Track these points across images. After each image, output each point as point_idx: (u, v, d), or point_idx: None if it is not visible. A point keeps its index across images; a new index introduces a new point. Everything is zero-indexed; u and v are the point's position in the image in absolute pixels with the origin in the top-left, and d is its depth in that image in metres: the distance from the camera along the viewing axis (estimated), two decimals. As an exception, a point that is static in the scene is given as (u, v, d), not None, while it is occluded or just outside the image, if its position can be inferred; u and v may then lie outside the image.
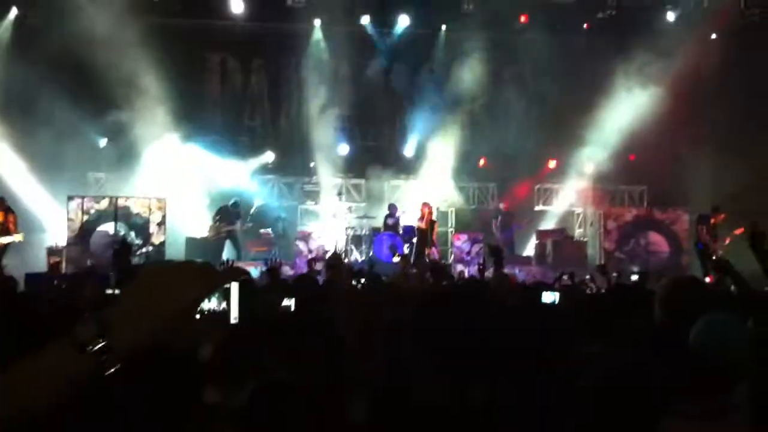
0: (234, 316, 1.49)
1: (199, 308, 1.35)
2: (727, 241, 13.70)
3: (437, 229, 16.18)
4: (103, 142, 17.26)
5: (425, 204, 15.73)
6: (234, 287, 1.49)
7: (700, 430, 2.38)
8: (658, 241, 17.77)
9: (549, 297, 4.42)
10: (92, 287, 6.26)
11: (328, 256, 15.14)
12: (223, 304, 1.47)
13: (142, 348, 1.29)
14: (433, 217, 15.93)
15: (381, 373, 2.98)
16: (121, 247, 7.81)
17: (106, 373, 1.25)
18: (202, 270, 1.36)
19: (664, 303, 3.47)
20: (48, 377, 1.23)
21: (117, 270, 7.72)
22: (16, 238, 13.25)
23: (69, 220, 15.84)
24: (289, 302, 5.25)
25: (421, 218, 15.54)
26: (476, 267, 15.39)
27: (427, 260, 14.83)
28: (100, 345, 1.23)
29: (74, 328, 1.24)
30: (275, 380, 2.60)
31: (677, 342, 2.88)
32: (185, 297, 1.31)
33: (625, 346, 3.25)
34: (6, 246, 13.26)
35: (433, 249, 15.91)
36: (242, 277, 1.47)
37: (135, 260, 13.21)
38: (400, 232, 16.21)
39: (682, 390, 2.44)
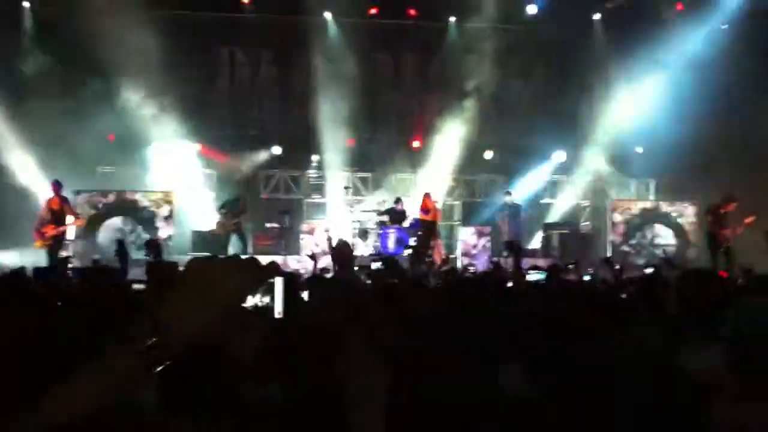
0: (278, 311, 1.50)
1: (244, 303, 1.38)
2: (739, 231, 13.67)
3: (440, 220, 16.16)
4: (111, 135, 17.22)
5: (427, 195, 15.71)
6: (278, 282, 1.50)
7: (747, 411, 2.36)
8: (664, 233, 17.76)
9: (534, 276, 4.45)
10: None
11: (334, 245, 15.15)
12: (267, 299, 1.48)
13: (192, 344, 1.31)
14: (438, 206, 15.87)
15: (410, 371, 2.99)
16: (121, 241, 7.90)
17: (157, 370, 1.28)
18: (247, 265, 1.38)
19: (681, 294, 3.47)
20: (104, 377, 1.25)
21: (122, 264, 7.74)
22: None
23: (77, 215, 15.86)
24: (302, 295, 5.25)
25: (425, 210, 15.51)
26: (487, 261, 15.49)
27: (431, 252, 14.89)
28: (152, 343, 1.26)
29: (127, 328, 1.27)
30: (308, 379, 2.61)
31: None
32: (232, 292, 1.35)
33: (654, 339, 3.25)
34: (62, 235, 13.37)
35: (438, 241, 15.93)
36: (282, 273, 1.49)
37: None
38: (406, 225, 16.21)
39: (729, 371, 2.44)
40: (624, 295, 5.20)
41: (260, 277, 1.41)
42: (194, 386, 2.11)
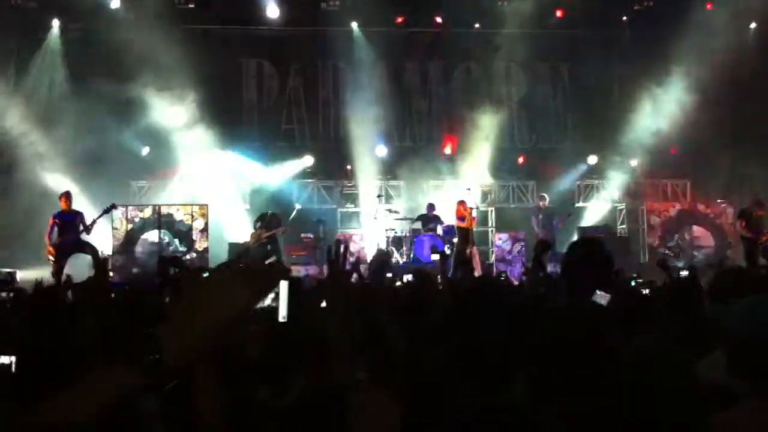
0: (282, 315, 1.49)
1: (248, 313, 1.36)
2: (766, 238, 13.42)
3: (474, 226, 16.02)
4: (145, 150, 17.41)
5: (461, 203, 15.62)
6: (283, 286, 1.49)
7: (754, 409, 2.33)
8: (702, 235, 17.50)
9: (602, 298, 4.05)
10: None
11: (372, 257, 15.18)
12: (272, 302, 1.47)
13: (195, 358, 1.31)
14: (474, 215, 15.78)
15: (419, 374, 2.98)
16: (163, 258, 7.80)
17: (164, 387, 1.27)
18: (251, 275, 1.36)
19: (713, 294, 3.44)
20: (105, 394, 1.25)
21: (162, 279, 7.77)
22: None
23: (114, 229, 16.07)
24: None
25: (461, 218, 15.43)
26: (520, 267, 15.36)
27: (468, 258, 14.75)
28: (153, 361, 1.25)
29: (128, 346, 1.27)
30: (321, 380, 2.61)
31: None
32: (235, 304, 1.32)
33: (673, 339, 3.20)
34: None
35: (474, 249, 15.83)
36: (287, 275, 1.47)
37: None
38: (440, 232, 16.16)
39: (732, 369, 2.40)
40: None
41: (264, 287, 1.38)
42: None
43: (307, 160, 18.45)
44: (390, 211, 17.15)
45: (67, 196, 13.01)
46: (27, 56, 17.07)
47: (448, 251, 15.34)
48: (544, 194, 17.65)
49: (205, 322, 1.30)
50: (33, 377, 2.53)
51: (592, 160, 18.67)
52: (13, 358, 2.97)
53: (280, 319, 1.46)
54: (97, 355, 2.69)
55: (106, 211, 13.12)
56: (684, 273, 6.98)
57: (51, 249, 12.61)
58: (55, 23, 17.39)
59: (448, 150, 18.90)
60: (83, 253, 12.74)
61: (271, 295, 1.44)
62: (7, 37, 16.60)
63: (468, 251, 15.21)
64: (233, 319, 1.32)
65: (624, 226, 18.73)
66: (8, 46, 16.93)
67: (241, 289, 1.33)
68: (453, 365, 2.45)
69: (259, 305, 1.40)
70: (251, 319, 1.38)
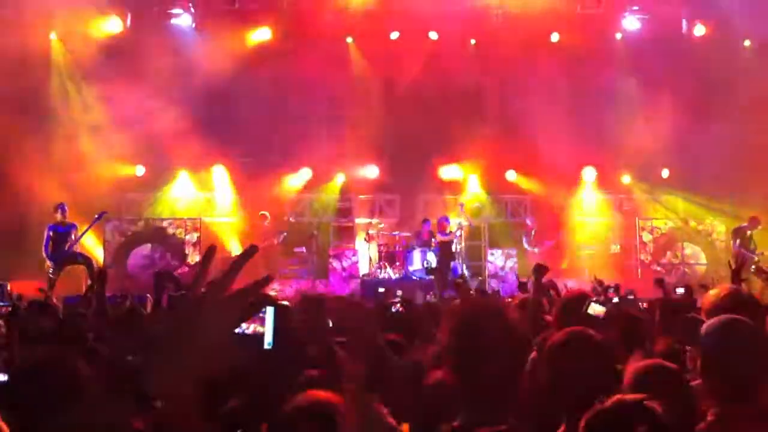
0: (267, 342, 1.48)
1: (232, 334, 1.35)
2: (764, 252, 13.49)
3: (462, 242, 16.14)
4: (140, 170, 17.30)
5: (444, 218, 15.84)
6: (269, 311, 1.48)
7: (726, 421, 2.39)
8: (694, 253, 17.54)
9: (597, 309, 4.04)
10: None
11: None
12: (259, 328, 1.47)
13: (181, 388, 1.30)
14: (456, 231, 15.96)
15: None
16: (158, 273, 7.69)
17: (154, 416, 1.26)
18: (233, 301, 1.35)
19: (709, 314, 3.45)
20: (94, 425, 1.24)
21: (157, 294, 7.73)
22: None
23: (106, 241, 16.01)
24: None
25: (443, 231, 15.65)
26: (511, 283, 15.40)
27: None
28: (138, 394, 1.24)
29: (115, 379, 1.26)
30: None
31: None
32: (218, 331, 1.31)
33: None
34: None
35: (458, 263, 15.92)
36: (272, 300, 1.48)
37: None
38: (432, 247, 16.16)
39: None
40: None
41: (247, 313, 1.37)
42: None
43: (303, 174, 18.41)
44: (383, 226, 17.17)
45: (62, 208, 13.08)
46: (22, 67, 16.99)
47: (437, 266, 15.38)
48: (537, 210, 17.70)
49: (195, 352, 1.29)
50: (25, 398, 2.52)
51: (587, 175, 18.70)
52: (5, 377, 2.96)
53: (266, 346, 1.45)
54: (91, 377, 2.68)
55: (97, 218, 13.09)
56: (680, 290, 7.00)
57: (48, 263, 12.72)
58: (52, 36, 17.35)
59: (442, 165, 18.86)
60: (77, 264, 12.82)
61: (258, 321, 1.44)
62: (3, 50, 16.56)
63: (450, 265, 15.40)
64: (219, 345, 1.30)
65: (616, 243, 18.70)
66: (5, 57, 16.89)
67: (225, 315, 1.32)
68: (454, 386, 2.45)
69: (246, 330, 1.39)
70: (238, 344, 1.37)
